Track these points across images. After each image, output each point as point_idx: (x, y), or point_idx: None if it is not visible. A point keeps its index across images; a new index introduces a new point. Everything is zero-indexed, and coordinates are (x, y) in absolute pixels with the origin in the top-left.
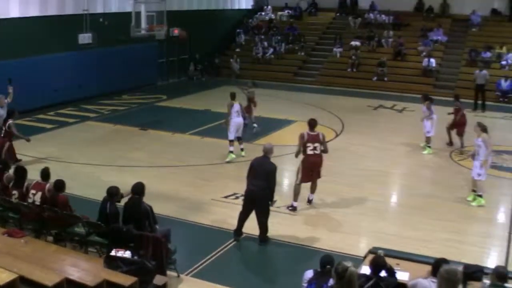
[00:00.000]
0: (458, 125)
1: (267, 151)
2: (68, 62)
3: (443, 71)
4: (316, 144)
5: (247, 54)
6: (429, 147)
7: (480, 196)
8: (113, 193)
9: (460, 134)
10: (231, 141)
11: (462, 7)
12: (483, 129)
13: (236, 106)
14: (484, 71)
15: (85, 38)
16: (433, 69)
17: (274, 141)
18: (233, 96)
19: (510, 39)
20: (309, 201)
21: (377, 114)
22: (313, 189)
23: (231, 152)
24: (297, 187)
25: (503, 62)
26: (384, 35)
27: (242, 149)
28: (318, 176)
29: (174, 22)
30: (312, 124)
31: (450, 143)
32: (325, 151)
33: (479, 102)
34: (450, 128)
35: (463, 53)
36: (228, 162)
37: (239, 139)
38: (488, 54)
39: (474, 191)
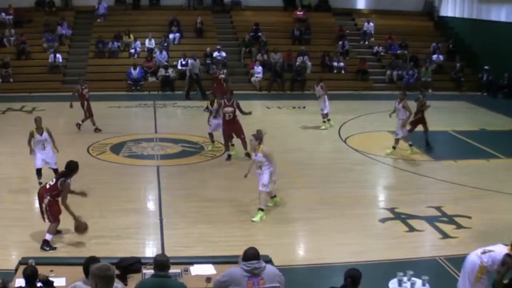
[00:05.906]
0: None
1: None
2: None
3: (71, 65)
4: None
5: None
6: None
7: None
8: None
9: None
10: None
11: None
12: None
13: None
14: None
15: None
16: (60, 64)
17: None
18: None
19: (136, 27)
20: None
21: (6, 118)
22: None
23: None
24: None
25: (132, 51)
26: (6, 34)
27: None
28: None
29: None
30: None
31: None
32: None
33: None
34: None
35: (90, 45)
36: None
37: None
38: (116, 44)
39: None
